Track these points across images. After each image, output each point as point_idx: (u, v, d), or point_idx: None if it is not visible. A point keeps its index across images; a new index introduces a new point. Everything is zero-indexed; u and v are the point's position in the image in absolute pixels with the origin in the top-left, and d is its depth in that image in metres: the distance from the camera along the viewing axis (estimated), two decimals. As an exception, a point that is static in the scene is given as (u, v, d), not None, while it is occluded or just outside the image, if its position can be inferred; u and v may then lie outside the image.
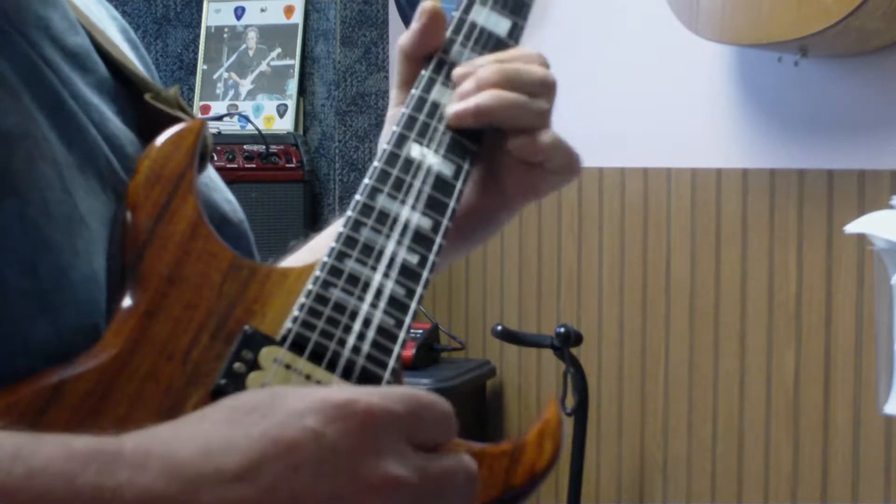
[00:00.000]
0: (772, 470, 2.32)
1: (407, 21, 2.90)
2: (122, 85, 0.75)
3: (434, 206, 0.73)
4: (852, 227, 1.69)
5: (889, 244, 1.64)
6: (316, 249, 0.88)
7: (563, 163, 0.78)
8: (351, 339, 0.66)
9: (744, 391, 2.36)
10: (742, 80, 2.36)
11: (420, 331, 2.66)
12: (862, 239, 1.93)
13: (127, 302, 0.64)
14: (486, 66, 0.76)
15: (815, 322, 2.25)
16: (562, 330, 2.30)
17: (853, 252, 2.18)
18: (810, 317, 2.25)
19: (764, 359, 2.32)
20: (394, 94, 0.82)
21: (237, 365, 0.63)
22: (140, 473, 0.53)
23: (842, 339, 2.21)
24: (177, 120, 0.72)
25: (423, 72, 0.78)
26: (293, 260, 0.89)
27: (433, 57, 0.79)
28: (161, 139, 0.69)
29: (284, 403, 0.56)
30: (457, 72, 0.77)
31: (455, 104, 0.76)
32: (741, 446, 2.37)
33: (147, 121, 0.73)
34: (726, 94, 2.38)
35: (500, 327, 2.38)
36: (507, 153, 0.78)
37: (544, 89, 0.77)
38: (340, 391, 0.57)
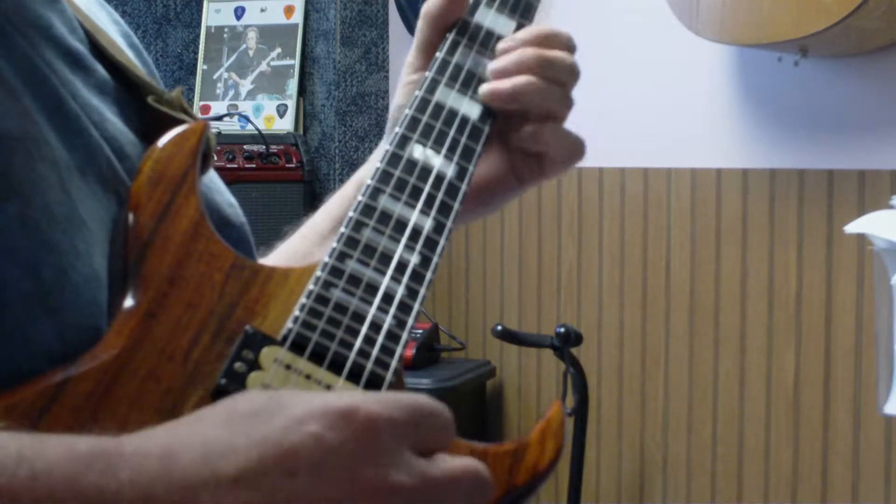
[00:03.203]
0: (772, 470, 2.32)
1: (407, 21, 2.90)
2: (124, 87, 0.75)
3: (437, 208, 0.72)
4: (852, 227, 1.69)
5: (889, 244, 1.64)
6: (310, 232, 0.90)
7: (565, 151, 0.82)
8: (352, 340, 0.66)
9: (744, 391, 2.36)
10: (742, 80, 2.36)
11: (420, 331, 2.66)
12: (862, 239, 1.93)
13: (128, 302, 0.64)
14: (527, 49, 0.80)
15: (815, 322, 2.25)
16: (562, 330, 2.30)
17: (853, 252, 2.18)
18: (810, 317, 2.25)
19: (764, 359, 2.32)
20: (412, 58, 0.85)
21: (238, 365, 0.63)
22: (140, 476, 0.53)
23: (842, 339, 2.21)
24: (180, 122, 0.72)
25: (426, 73, 0.79)
26: (287, 245, 0.90)
27: (436, 58, 0.80)
28: (164, 140, 0.69)
29: (284, 408, 0.56)
30: (501, 45, 0.81)
31: (492, 82, 0.79)
32: (741, 446, 2.37)
33: (150, 123, 0.73)
34: (726, 94, 2.38)
35: (500, 327, 2.38)
36: (522, 133, 0.82)
37: (572, 78, 0.81)
38: (341, 397, 0.56)
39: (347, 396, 0.57)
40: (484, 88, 0.78)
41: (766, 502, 2.33)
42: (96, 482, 0.52)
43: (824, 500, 2.24)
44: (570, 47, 0.82)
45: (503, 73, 0.79)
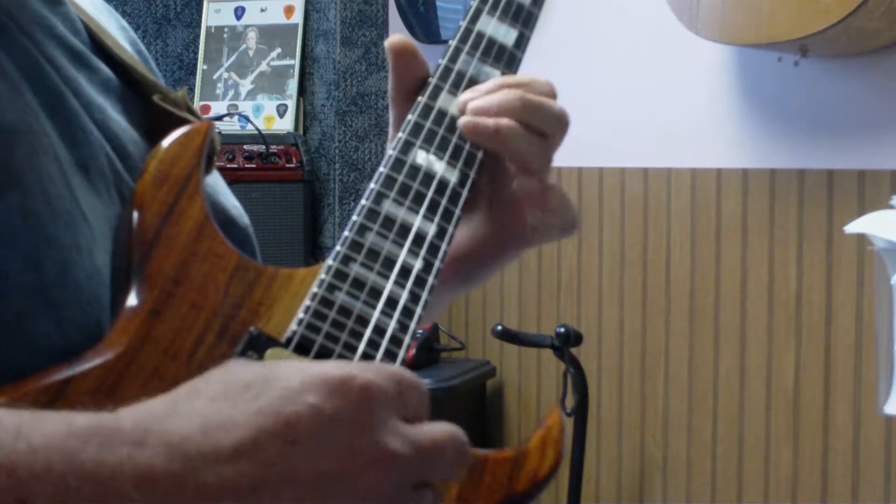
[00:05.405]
0: (772, 470, 2.32)
1: (407, 21, 2.90)
2: (129, 86, 0.75)
3: (440, 213, 0.73)
4: (852, 227, 1.69)
5: (889, 244, 1.65)
6: None
7: (563, 219, 0.78)
8: (356, 343, 0.66)
9: (744, 391, 2.36)
10: (742, 80, 2.37)
11: (420, 331, 2.66)
12: (862, 239, 1.93)
13: (132, 301, 0.64)
14: (508, 90, 0.75)
15: (815, 322, 2.25)
16: (562, 330, 2.30)
17: (853, 252, 2.18)
18: (810, 317, 2.25)
19: (764, 359, 2.32)
20: (391, 133, 0.81)
21: None
22: (139, 450, 0.53)
23: (842, 339, 2.21)
24: (185, 122, 0.72)
25: (429, 79, 0.78)
26: None
27: (438, 66, 0.79)
28: (169, 140, 0.69)
29: (281, 379, 0.56)
30: (482, 86, 0.76)
31: (476, 117, 0.74)
32: (741, 446, 2.37)
33: (155, 122, 0.73)
34: (726, 94, 2.39)
35: (500, 327, 2.38)
36: (504, 194, 0.78)
37: (560, 127, 0.76)
38: (336, 367, 0.57)
39: (342, 366, 0.58)
40: (465, 120, 0.74)
41: (766, 502, 2.33)
42: (94, 457, 0.52)
43: (824, 500, 2.24)
44: (553, 95, 0.76)
45: (485, 112, 0.74)
